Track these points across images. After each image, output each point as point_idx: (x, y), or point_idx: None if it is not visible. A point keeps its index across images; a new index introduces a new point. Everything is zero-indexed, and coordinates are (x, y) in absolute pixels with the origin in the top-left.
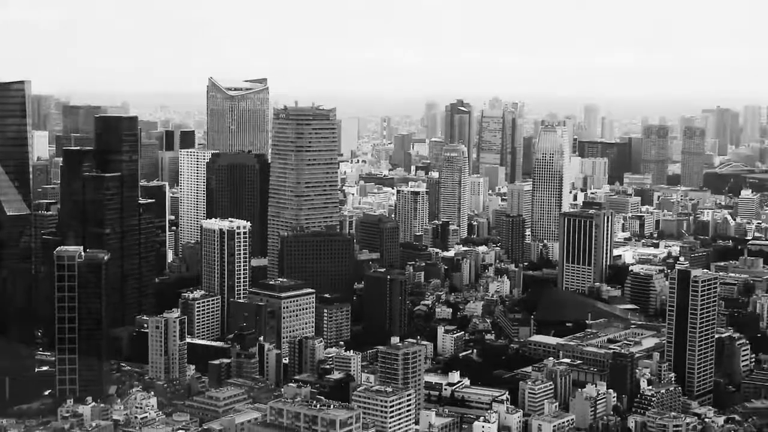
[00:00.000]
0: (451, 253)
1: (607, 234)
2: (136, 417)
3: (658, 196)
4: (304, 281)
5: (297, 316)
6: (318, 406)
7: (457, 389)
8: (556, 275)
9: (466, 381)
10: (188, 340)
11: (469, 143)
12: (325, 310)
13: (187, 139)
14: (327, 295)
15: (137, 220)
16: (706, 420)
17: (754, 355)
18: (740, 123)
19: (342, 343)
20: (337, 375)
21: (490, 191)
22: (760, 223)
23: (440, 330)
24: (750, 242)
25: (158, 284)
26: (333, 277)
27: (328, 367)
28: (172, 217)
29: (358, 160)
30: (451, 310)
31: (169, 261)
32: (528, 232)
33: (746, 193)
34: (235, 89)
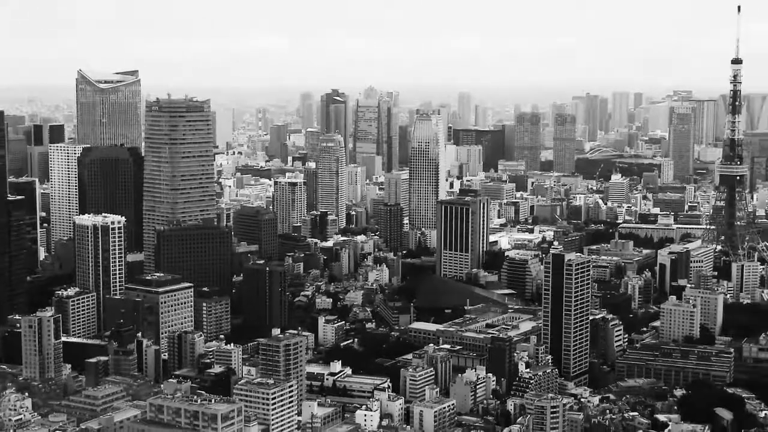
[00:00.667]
0: (329, 244)
1: (484, 220)
2: (10, 419)
3: (532, 182)
4: (182, 275)
5: (175, 310)
6: (199, 400)
7: (338, 379)
8: (434, 262)
9: (348, 370)
10: (63, 338)
11: (345, 133)
12: (204, 304)
13: (57, 133)
14: (205, 289)
15: (6, 218)
16: (582, 400)
17: (626, 335)
18: (609, 109)
19: (222, 336)
20: (217, 369)
21: (368, 181)
22: (629, 207)
23: (321, 320)
24: (620, 225)
25: (30, 283)
26: (211, 270)
27: (208, 361)
28: (44, 214)
29: (234, 152)
30: (331, 300)
31: (42, 259)
32: (406, 220)
33: (616, 177)
34: (105, 81)
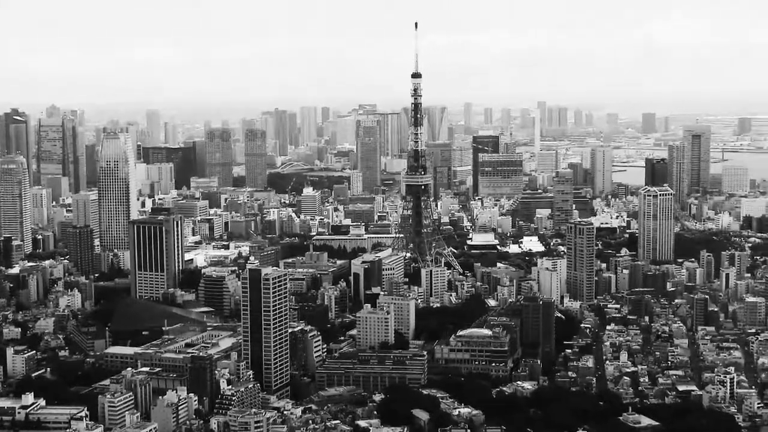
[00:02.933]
0: (15, 270)
1: (178, 239)
2: None
3: (226, 199)
4: None
5: None
6: None
7: (31, 411)
8: (129, 284)
9: (42, 402)
10: None
11: (28, 154)
12: None
13: None
14: None
15: None
16: (285, 412)
17: (325, 345)
18: (298, 124)
19: None
20: None
21: (54, 203)
22: (322, 219)
23: (9, 351)
24: (314, 238)
25: None
26: None
27: None
28: None
29: None
30: (19, 329)
31: None
32: (97, 242)
33: (308, 190)
34: None
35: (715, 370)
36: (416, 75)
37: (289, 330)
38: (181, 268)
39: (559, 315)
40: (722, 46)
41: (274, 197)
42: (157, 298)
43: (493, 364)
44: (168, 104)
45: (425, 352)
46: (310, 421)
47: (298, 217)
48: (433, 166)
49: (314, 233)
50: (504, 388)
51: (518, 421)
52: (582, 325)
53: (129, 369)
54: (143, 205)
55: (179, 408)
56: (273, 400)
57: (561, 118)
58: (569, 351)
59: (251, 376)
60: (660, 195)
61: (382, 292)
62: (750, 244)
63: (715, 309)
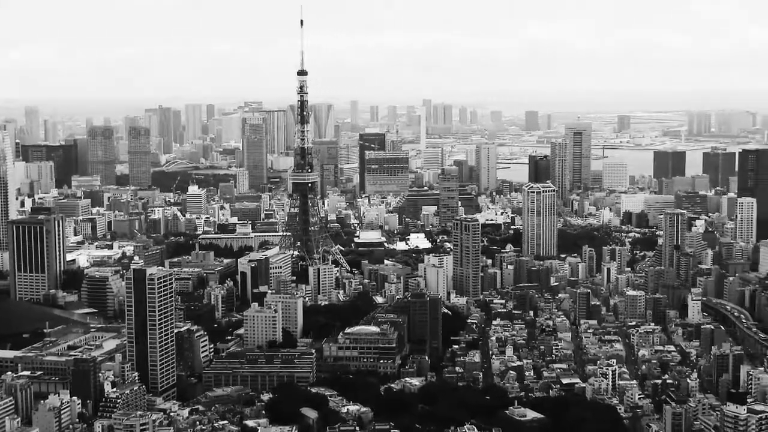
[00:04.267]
0: None
1: (59, 239)
2: None
3: (108, 197)
4: None
5: None
6: None
7: None
8: (8, 286)
9: None
10: None
11: None
12: None
13: None
14: None
15: None
16: (172, 414)
17: (212, 345)
18: (183, 121)
19: None
20: None
21: None
22: (208, 218)
23: None
24: (200, 236)
25: None
26: None
27: None
28: None
29: None
30: None
31: None
32: None
33: (193, 189)
34: None
35: (598, 362)
36: (302, 72)
37: (175, 330)
38: (62, 268)
39: (446, 311)
40: (606, 46)
41: (159, 196)
42: (37, 299)
43: (382, 361)
44: (48, 102)
45: (313, 351)
46: (197, 422)
47: (184, 215)
48: (320, 163)
49: (200, 232)
50: (392, 385)
51: (406, 418)
52: (468, 320)
53: (9, 373)
54: (22, 204)
55: (62, 412)
56: (159, 401)
57: (446, 115)
58: (456, 346)
59: (136, 378)
60: (543, 192)
61: (269, 291)
62: (630, 239)
63: (597, 303)
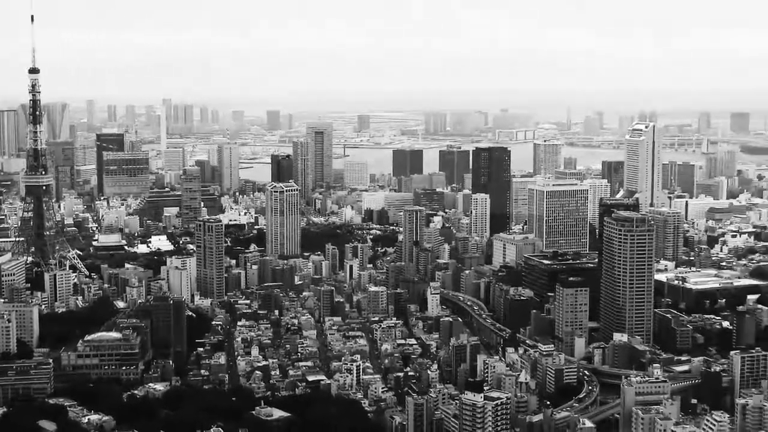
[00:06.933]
0: None
1: None
2: None
3: None
4: None
5: None
6: None
7: None
8: None
9: None
10: None
11: None
12: None
13: None
14: None
15: None
16: None
17: None
18: None
19: None
20: None
21: None
22: None
23: None
24: None
25: None
26: None
27: None
28: None
29: None
30: None
31: None
32: None
33: None
34: None
35: (343, 358)
36: (34, 71)
37: None
38: None
39: (191, 313)
40: (347, 48)
41: None
42: None
43: (124, 368)
44: None
45: (51, 360)
46: None
47: None
48: (55, 165)
49: None
50: (135, 392)
51: (150, 424)
52: (213, 322)
53: None
54: None
55: None
56: None
57: (187, 115)
58: (201, 349)
59: None
60: (286, 191)
61: (2, 300)
62: (371, 236)
63: (341, 300)
